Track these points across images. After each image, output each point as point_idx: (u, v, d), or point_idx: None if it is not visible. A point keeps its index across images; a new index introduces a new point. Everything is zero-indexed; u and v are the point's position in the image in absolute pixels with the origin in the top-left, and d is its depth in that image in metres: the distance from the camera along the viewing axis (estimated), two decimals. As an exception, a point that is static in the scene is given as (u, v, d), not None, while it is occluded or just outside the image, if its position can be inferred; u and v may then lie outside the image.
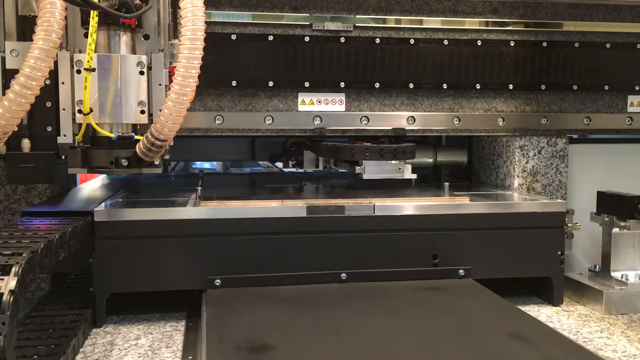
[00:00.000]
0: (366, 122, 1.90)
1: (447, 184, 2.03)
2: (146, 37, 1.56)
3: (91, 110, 1.45)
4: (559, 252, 1.74)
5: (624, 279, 1.74)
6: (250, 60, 1.80)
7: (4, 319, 0.93)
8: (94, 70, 1.45)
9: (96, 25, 1.40)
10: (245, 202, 1.65)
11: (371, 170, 1.86)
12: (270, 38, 1.81)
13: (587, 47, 1.98)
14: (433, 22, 1.89)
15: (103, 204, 1.66)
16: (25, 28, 1.49)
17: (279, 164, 2.77)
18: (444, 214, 1.69)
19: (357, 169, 1.87)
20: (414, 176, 1.89)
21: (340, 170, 2.52)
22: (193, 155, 2.70)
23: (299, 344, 1.22)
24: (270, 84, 1.82)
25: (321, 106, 1.87)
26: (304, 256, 1.62)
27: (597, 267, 1.82)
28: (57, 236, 1.24)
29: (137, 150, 1.48)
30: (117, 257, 1.55)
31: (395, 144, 1.89)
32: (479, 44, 1.91)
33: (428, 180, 2.32)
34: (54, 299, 1.63)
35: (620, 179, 2.07)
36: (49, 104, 1.47)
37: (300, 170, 2.36)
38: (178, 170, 3.11)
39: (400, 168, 1.87)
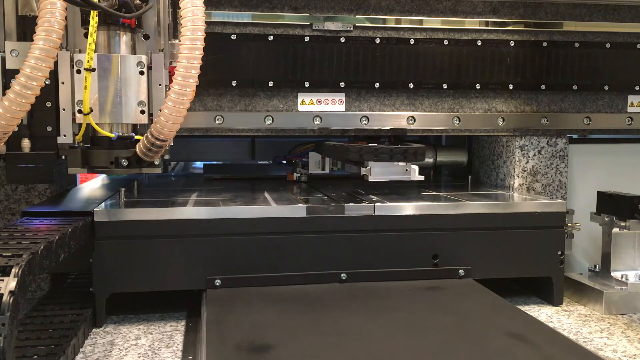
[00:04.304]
0: (366, 122, 1.90)
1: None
2: (146, 37, 1.56)
3: (91, 110, 1.45)
4: (559, 252, 1.74)
5: (624, 279, 1.75)
6: (250, 60, 1.80)
7: (3, 320, 0.93)
8: (94, 70, 1.45)
9: (96, 25, 1.40)
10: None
11: (377, 172, 1.77)
12: (270, 38, 1.81)
13: (587, 47, 1.98)
14: (433, 22, 1.89)
15: (103, 204, 1.66)
16: (26, 28, 1.50)
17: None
18: (444, 214, 1.69)
19: (363, 171, 1.79)
20: (421, 178, 1.80)
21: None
22: (193, 155, 2.70)
23: (299, 344, 1.22)
24: (270, 84, 1.82)
25: (321, 106, 1.87)
26: (304, 256, 1.62)
27: (597, 267, 1.82)
28: (57, 237, 1.24)
29: (137, 150, 1.48)
30: (117, 257, 1.55)
31: (399, 144, 1.78)
32: (479, 44, 1.91)
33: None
34: (54, 299, 1.63)
35: (620, 179, 2.07)
36: (49, 104, 1.47)
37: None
38: (178, 170, 3.11)
39: (407, 170, 1.78)
